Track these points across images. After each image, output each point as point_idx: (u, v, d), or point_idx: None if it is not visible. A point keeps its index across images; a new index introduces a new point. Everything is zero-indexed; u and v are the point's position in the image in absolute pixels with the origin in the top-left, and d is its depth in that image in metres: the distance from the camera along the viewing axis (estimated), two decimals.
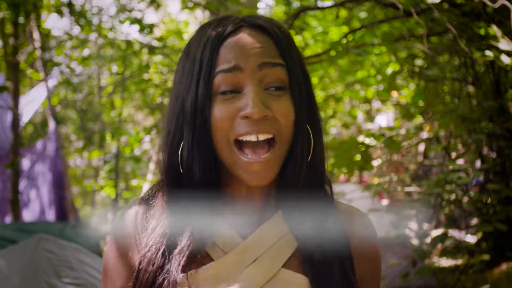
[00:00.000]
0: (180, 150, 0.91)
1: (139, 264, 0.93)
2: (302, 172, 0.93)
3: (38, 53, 7.08)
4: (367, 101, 8.98)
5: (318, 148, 0.95)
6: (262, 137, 0.88)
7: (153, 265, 0.91)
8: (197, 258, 0.91)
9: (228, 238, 0.94)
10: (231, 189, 0.96)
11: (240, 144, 0.90)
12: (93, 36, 8.76)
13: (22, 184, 6.56)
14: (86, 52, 9.54)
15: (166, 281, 0.89)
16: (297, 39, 6.36)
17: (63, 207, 6.59)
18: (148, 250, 0.92)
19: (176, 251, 0.91)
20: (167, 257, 0.91)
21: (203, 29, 0.95)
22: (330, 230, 0.95)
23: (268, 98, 0.89)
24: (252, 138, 0.88)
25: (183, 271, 0.90)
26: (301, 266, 0.93)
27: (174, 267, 0.90)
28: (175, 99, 0.93)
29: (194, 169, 0.90)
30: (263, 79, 0.90)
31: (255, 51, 0.90)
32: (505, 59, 2.52)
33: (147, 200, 0.99)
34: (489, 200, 4.38)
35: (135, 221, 0.97)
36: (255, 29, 0.93)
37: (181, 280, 0.89)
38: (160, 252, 0.91)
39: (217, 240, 0.93)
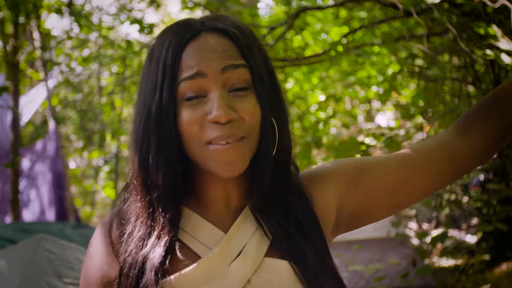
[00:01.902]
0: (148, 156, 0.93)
1: (121, 269, 0.94)
2: (268, 164, 0.95)
3: (38, 53, 7.08)
4: (367, 101, 8.98)
5: (283, 140, 0.98)
6: (231, 140, 0.90)
7: (135, 269, 0.92)
8: (185, 257, 0.93)
9: (211, 233, 0.96)
10: (208, 192, 0.99)
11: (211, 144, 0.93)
12: (93, 36, 8.76)
13: (22, 184, 6.56)
14: (86, 52, 9.54)
15: (149, 285, 0.90)
16: (297, 39, 6.36)
17: (63, 207, 6.59)
18: (129, 255, 0.93)
19: (151, 253, 0.92)
20: (147, 260, 0.92)
21: (164, 34, 0.95)
22: (297, 212, 0.99)
23: (233, 100, 0.91)
24: (222, 142, 0.90)
25: (172, 271, 0.91)
26: (280, 251, 0.95)
27: (151, 269, 0.90)
28: (142, 105, 0.94)
29: (159, 175, 0.92)
30: (227, 82, 0.91)
31: (217, 55, 0.91)
32: (505, 58, 2.52)
33: (120, 209, 1.01)
34: (489, 200, 4.38)
35: (110, 233, 0.99)
36: (215, 32, 0.94)
37: (167, 282, 0.90)
38: (140, 256, 0.92)
39: (201, 238, 0.96)
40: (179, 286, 0.91)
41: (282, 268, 0.94)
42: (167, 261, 0.91)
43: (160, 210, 0.94)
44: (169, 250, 0.92)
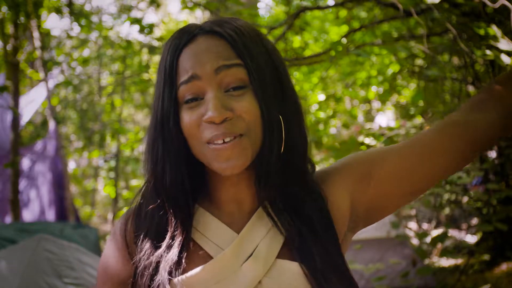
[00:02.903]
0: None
1: (136, 268, 0.96)
2: (272, 162, 0.95)
3: (38, 53, 7.08)
4: (367, 101, 8.98)
5: (293, 138, 0.96)
6: (228, 139, 0.91)
7: (149, 269, 0.94)
8: (197, 256, 0.95)
9: (223, 234, 0.97)
10: (220, 192, 1.00)
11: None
12: (93, 36, 8.76)
13: (22, 184, 6.56)
14: (86, 52, 9.54)
15: (161, 283, 0.92)
16: (297, 40, 6.35)
17: (63, 207, 6.59)
18: (143, 254, 0.96)
19: (165, 253, 0.94)
20: (161, 260, 0.94)
21: (168, 41, 0.99)
22: (310, 213, 0.98)
23: (229, 100, 0.92)
24: (219, 141, 0.91)
25: (184, 270, 0.93)
26: (291, 253, 0.95)
27: (164, 269, 0.93)
28: (153, 111, 0.99)
29: (166, 177, 0.95)
30: (221, 82, 0.92)
31: (210, 57, 0.93)
32: (505, 58, 2.52)
33: (138, 208, 1.03)
34: (489, 200, 4.38)
35: (125, 232, 1.02)
36: (210, 34, 0.95)
37: (179, 281, 0.92)
38: (154, 256, 0.95)
39: (214, 238, 0.97)
40: (190, 285, 0.92)
41: (292, 270, 0.94)
42: (183, 261, 0.93)
43: (171, 211, 0.96)
44: (182, 250, 0.94)
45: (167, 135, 0.94)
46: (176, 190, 0.95)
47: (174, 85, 0.94)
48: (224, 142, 0.90)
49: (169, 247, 0.94)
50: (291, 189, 0.98)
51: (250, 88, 0.93)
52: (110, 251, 1.03)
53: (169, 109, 0.94)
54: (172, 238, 0.95)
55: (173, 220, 0.96)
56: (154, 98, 0.98)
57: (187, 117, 0.93)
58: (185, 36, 0.96)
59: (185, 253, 0.94)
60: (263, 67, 0.95)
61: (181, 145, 0.94)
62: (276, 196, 0.97)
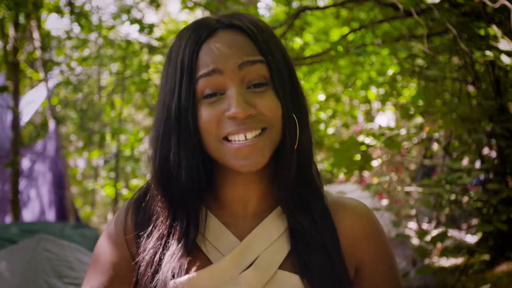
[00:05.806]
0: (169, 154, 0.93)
1: (139, 267, 0.95)
2: (293, 161, 0.94)
3: (38, 53, 7.08)
4: (367, 101, 8.97)
5: (304, 136, 0.96)
6: (250, 135, 0.89)
7: (151, 268, 0.93)
8: (196, 260, 0.93)
9: (226, 240, 0.95)
10: (227, 190, 0.98)
11: (229, 141, 0.91)
12: (93, 36, 8.76)
13: (22, 184, 6.55)
14: (86, 52, 9.53)
15: (162, 284, 0.91)
16: (297, 42, 6.35)
17: (63, 207, 6.59)
18: (147, 253, 0.94)
19: (168, 254, 0.93)
20: (165, 261, 0.93)
21: (182, 33, 0.96)
22: (319, 226, 0.97)
23: (251, 96, 0.90)
24: (241, 137, 0.89)
25: (181, 274, 0.92)
26: (294, 265, 0.94)
27: (167, 270, 0.91)
28: (162, 104, 0.94)
29: (182, 173, 0.91)
30: (244, 78, 0.91)
31: (233, 52, 0.90)
32: (505, 59, 2.52)
33: (139, 202, 1.01)
34: (489, 200, 4.37)
35: (125, 228, 1.00)
36: (231, 29, 0.93)
37: (175, 285, 0.91)
38: (157, 255, 0.93)
39: (215, 241, 0.95)
40: None
41: (292, 283, 0.92)
42: (185, 263, 0.92)
43: (181, 210, 0.94)
44: (186, 252, 0.93)
45: (183, 130, 0.91)
46: (190, 187, 0.92)
47: (192, 79, 0.90)
48: (246, 139, 0.89)
49: (175, 247, 0.93)
50: (299, 189, 0.97)
51: (270, 85, 0.92)
52: (106, 243, 1.01)
53: (187, 103, 0.90)
54: (179, 239, 0.93)
55: (181, 219, 0.94)
56: (165, 91, 0.94)
57: (206, 112, 0.90)
58: (205, 30, 0.93)
59: (188, 256, 0.92)
60: (281, 63, 0.95)
61: (197, 140, 0.91)
62: (290, 197, 0.96)
